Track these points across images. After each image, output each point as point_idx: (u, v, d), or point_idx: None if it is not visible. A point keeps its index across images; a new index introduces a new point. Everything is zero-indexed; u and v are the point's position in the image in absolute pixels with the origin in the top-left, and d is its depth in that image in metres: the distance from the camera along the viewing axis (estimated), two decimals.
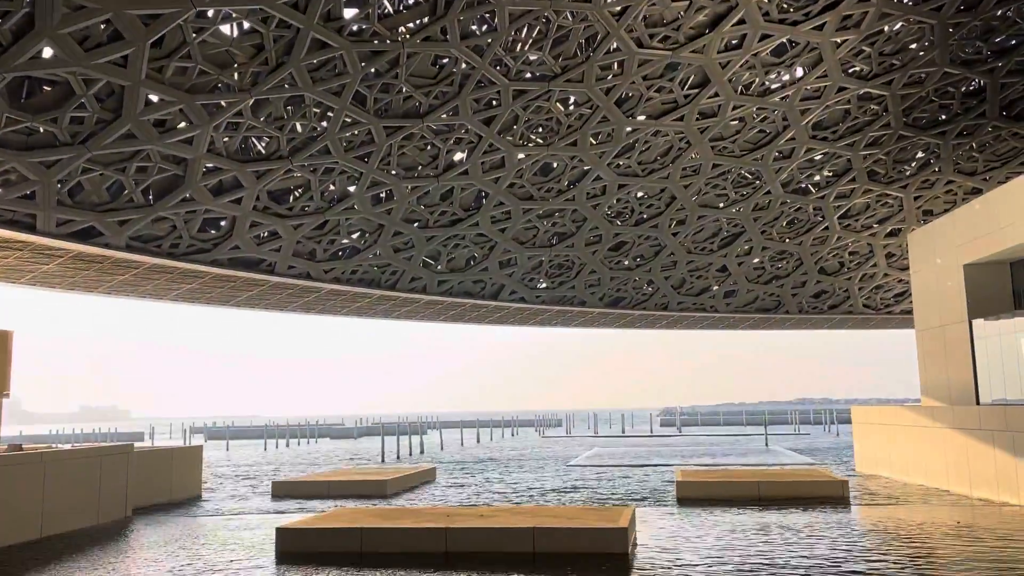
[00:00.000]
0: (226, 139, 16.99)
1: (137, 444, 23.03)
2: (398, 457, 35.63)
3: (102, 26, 13.66)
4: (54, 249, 16.50)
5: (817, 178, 26.23)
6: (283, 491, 21.13)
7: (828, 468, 24.02)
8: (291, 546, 12.46)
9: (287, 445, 52.79)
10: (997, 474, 17.06)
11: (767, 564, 10.80)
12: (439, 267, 23.86)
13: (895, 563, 10.96)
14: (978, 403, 19.46)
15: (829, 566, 10.61)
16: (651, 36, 19.74)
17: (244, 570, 11.21)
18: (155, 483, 19.52)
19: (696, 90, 21.74)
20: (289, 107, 17.38)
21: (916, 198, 26.79)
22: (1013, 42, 22.38)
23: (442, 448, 42.59)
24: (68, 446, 20.31)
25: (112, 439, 61.24)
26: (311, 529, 12.82)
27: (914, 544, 12.37)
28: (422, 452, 38.75)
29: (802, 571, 10.33)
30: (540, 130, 21.53)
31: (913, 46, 22.18)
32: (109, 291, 21.23)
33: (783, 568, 10.53)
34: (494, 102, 19.80)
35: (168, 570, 11.40)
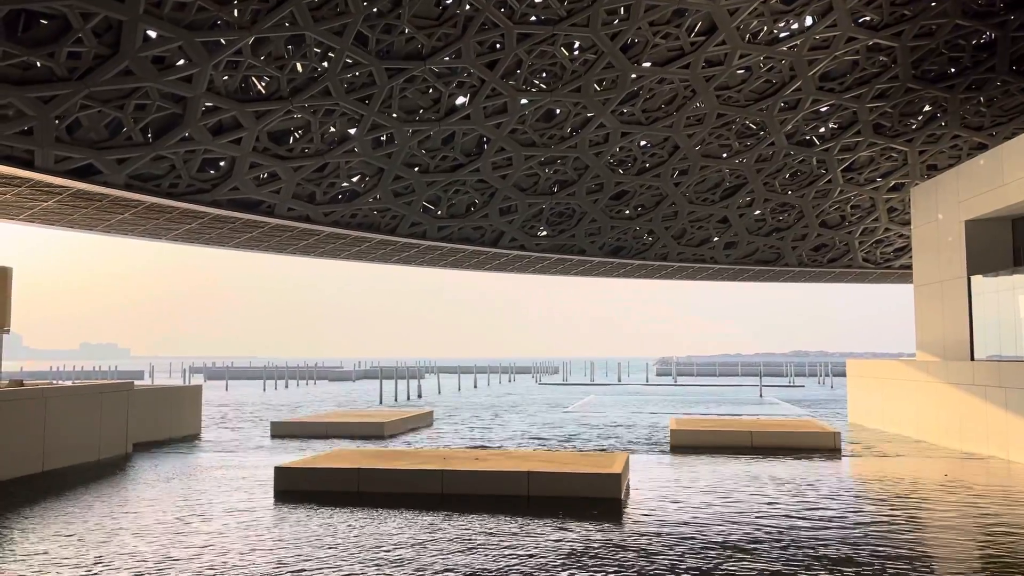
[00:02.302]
0: (226, 78, 16.77)
1: (137, 382, 23.23)
2: (396, 400, 35.97)
3: None
4: (53, 186, 16.41)
5: (822, 130, 25.99)
6: (282, 431, 21.39)
7: (821, 419, 24.29)
8: (289, 485, 12.66)
9: (286, 386, 53.26)
10: (988, 429, 17.26)
11: (756, 512, 10.99)
12: (439, 212, 23.78)
13: (882, 513, 11.16)
14: (973, 359, 19.59)
15: (817, 514, 10.80)
16: None
17: (242, 508, 11.41)
18: (155, 421, 19.75)
19: (703, 37, 21.41)
20: (289, 46, 17.13)
21: (921, 152, 26.58)
22: None
23: (439, 392, 42.99)
24: (69, 383, 20.46)
25: (112, 377, 61.74)
26: (309, 468, 13.01)
27: (902, 495, 12.58)
28: (420, 396, 39.12)
29: (790, 519, 10.52)
30: (544, 75, 21.26)
31: None
32: (108, 230, 21.18)
33: (771, 516, 10.72)
34: (498, 45, 19.51)
35: (166, 508, 11.60)
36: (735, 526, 10.09)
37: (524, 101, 21.50)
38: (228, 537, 9.56)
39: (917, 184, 25.05)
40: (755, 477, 13.93)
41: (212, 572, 8.06)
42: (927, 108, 25.41)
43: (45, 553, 8.85)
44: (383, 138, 20.60)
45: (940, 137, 26.00)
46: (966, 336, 19.98)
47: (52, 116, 14.77)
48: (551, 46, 20.14)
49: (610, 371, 74.52)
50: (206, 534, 9.72)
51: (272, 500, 12.01)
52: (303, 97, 17.93)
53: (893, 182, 28.05)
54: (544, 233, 26.57)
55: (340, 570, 8.13)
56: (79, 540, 9.44)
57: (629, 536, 9.58)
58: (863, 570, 8.11)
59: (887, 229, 30.24)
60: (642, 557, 8.61)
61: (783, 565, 8.29)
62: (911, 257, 24.51)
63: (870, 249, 31.40)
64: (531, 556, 8.63)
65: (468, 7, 18.16)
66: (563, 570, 8.11)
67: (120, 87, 15.27)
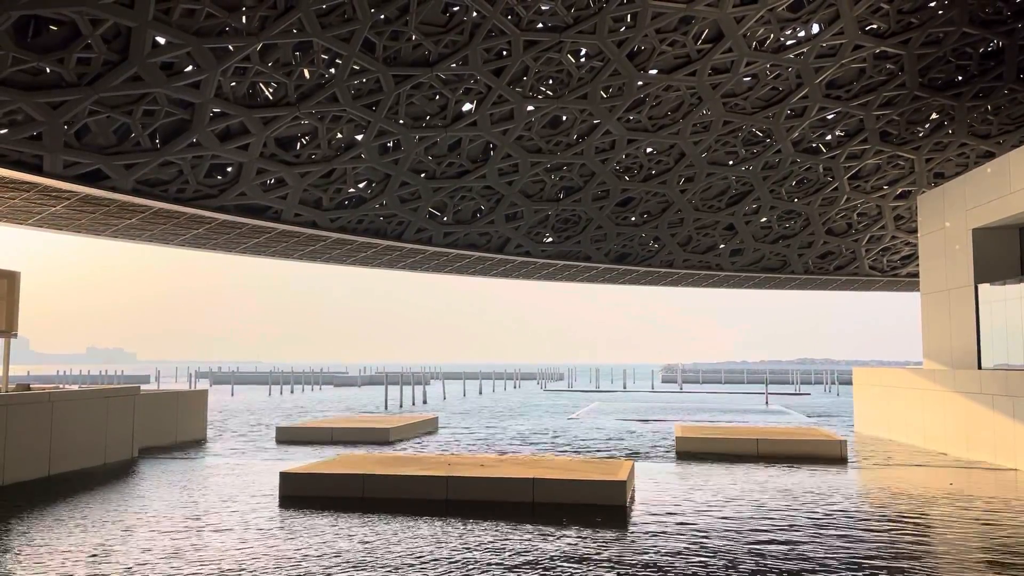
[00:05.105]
0: (233, 84, 16.84)
1: (143, 387, 23.28)
2: (401, 406, 35.98)
3: None
4: (61, 191, 16.48)
5: (828, 137, 25.97)
6: (287, 436, 21.42)
7: (827, 428, 24.21)
8: (294, 490, 12.67)
9: (291, 392, 53.31)
10: (995, 438, 17.19)
11: (762, 520, 10.96)
12: (445, 219, 23.81)
13: (886, 522, 11.11)
14: (980, 367, 19.52)
15: (821, 523, 10.76)
16: None
17: (248, 513, 11.42)
18: (161, 425, 19.79)
19: (709, 45, 21.43)
20: (297, 53, 17.19)
21: (928, 160, 26.53)
22: None
23: (445, 398, 42.98)
24: (75, 387, 20.53)
25: (119, 381, 61.88)
26: (314, 474, 13.02)
27: (907, 504, 12.52)
28: (425, 402, 39.11)
29: (794, 529, 10.48)
30: (550, 82, 21.29)
31: (932, 4, 21.77)
32: (116, 235, 21.26)
33: (777, 524, 10.69)
34: (504, 52, 19.55)
35: (171, 514, 11.61)
36: (740, 535, 10.06)
37: (531, 108, 21.53)
38: (233, 543, 9.56)
39: (924, 192, 25.00)
40: (761, 486, 13.89)
41: None
42: (934, 116, 25.37)
43: (50, 563, 8.86)
44: (390, 144, 20.65)
45: (947, 145, 25.96)
46: (973, 345, 19.91)
47: (61, 121, 14.85)
48: (558, 53, 20.17)
49: (615, 378, 74.41)
50: (211, 540, 9.72)
51: (277, 505, 12.02)
52: (310, 103, 17.99)
53: (900, 190, 28.00)
54: (550, 239, 26.58)
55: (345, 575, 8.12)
56: (84, 546, 9.45)
57: (633, 543, 9.56)
58: None
59: (894, 237, 30.17)
60: (645, 565, 8.58)
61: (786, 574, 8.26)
62: (918, 265, 24.45)
63: (877, 257, 31.33)
64: (534, 563, 8.62)
65: (475, 14, 18.21)
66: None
67: (129, 93, 15.34)
